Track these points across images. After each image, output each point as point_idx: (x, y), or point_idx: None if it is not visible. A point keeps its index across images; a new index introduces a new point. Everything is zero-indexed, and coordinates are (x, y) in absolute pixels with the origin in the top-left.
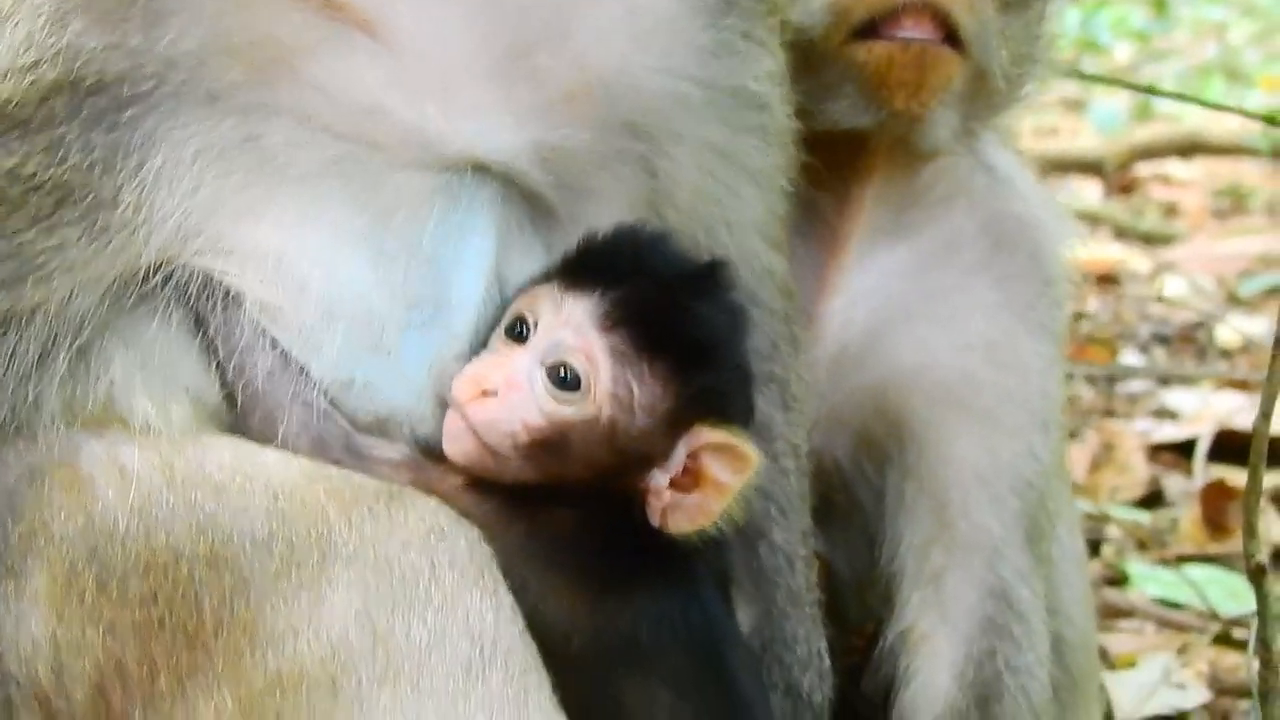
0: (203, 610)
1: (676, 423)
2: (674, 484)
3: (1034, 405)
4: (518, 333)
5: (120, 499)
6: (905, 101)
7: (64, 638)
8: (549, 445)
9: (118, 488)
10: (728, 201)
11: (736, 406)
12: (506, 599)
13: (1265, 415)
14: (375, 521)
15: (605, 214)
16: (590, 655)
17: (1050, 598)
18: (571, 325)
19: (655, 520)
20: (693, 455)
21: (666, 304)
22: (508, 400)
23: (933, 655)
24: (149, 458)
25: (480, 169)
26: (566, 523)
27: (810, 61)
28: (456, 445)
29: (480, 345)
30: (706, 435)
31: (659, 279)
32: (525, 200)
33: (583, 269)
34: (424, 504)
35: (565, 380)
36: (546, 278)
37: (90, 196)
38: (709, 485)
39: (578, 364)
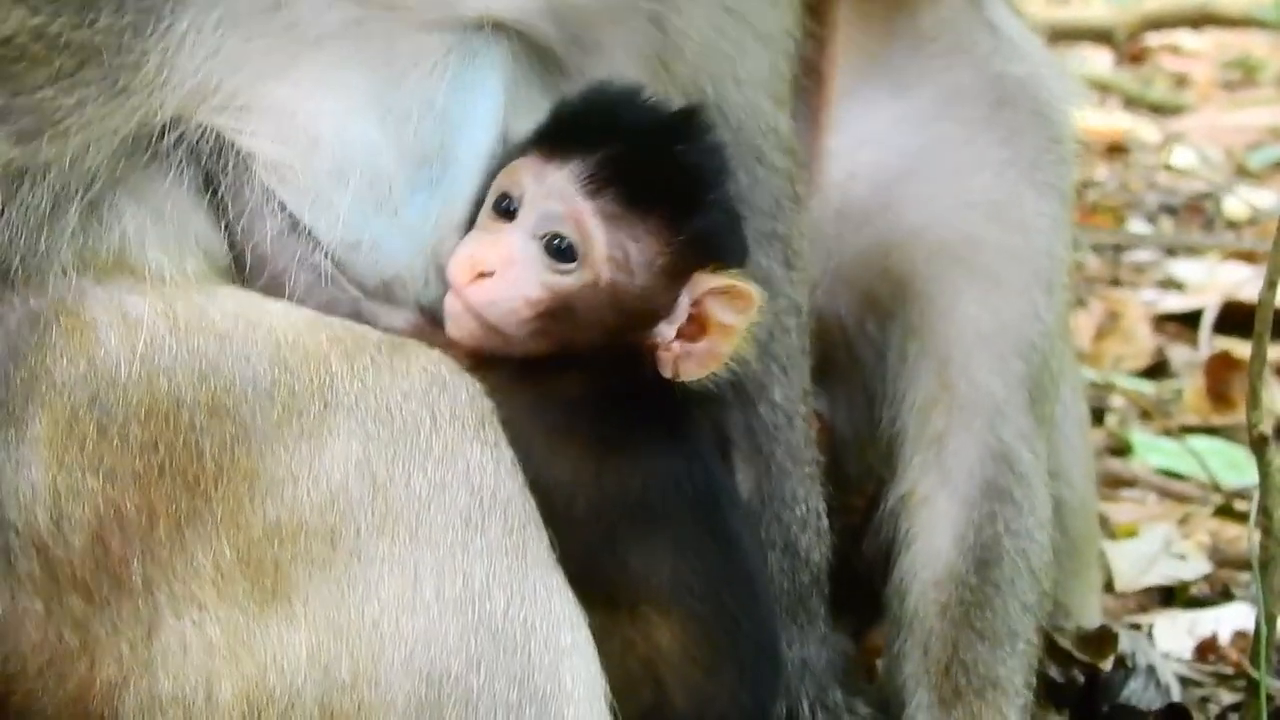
0: (203, 457)
1: (676, 274)
2: (681, 334)
3: (1039, 265)
4: (505, 208)
5: (123, 345)
6: None
7: (64, 484)
8: (554, 315)
9: (120, 333)
10: (735, 58)
11: (731, 247)
12: (507, 452)
13: (1270, 285)
14: (377, 371)
15: (614, 68)
16: (595, 517)
17: (1051, 460)
18: (556, 194)
19: (667, 372)
20: (696, 302)
21: (648, 157)
22: (506, 278)
23: (933, 518)
24: (152, 304)
25: (495, 25)
26: (574, 386)
27: None
28: (460, 327)
29: (470, 222)
30: (707, 281)
31: (636, 134)
32: (534, 56)
33: (559, 136)
34: (426, 355)
35: (561, 250)
36: (524, 150)
37: (116, 58)
38: (715, 329)
39: (570, 232)
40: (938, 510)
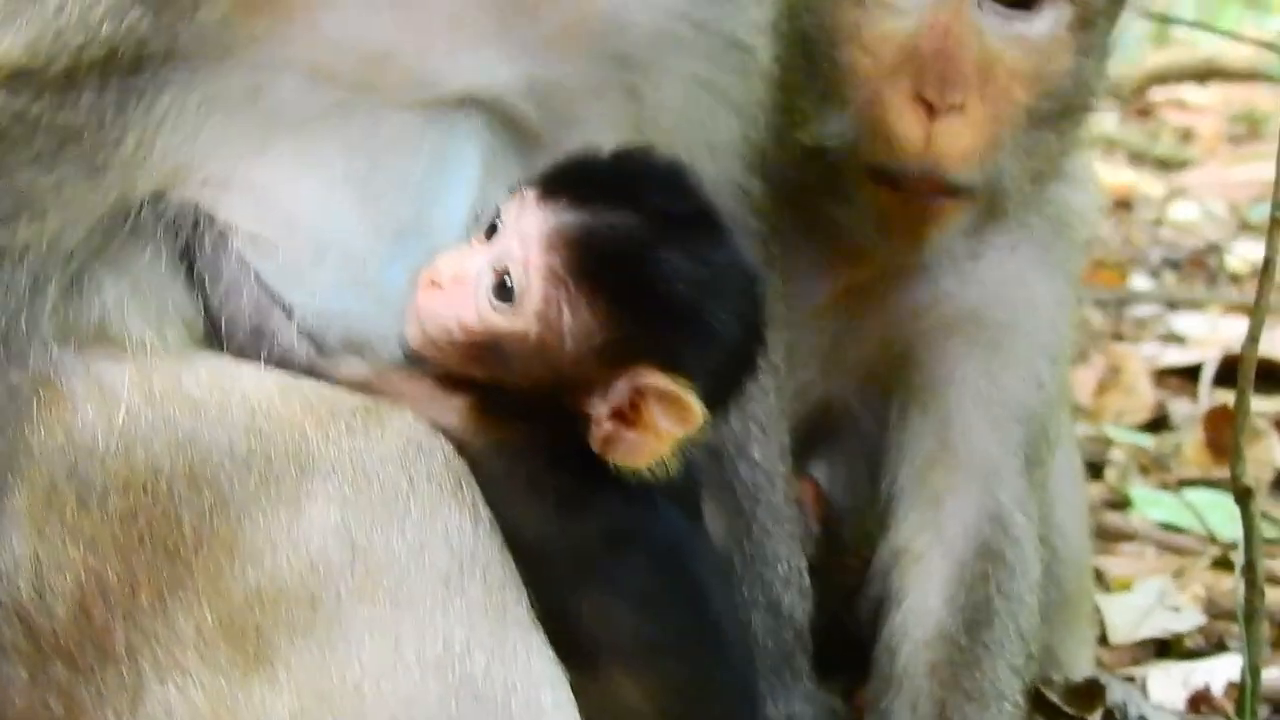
0: (183, 526)
1: (614, 358)
2: (617, 415)
3: (1042, 338)
4: (491, 230)
5: (100, 416)
6: (905, 246)
7: (45, 555)
8: (483, 349)
9: (97, 404)
10: (709, 126)
11: (693, 361)
12: (484, 512)
13: (1253, 339)
14: (353, 436)
15: (590, 140)
16: (549, 566)
17: (1044, 513)
18: (521, 235)
19: (596, 447)
20: (637, 393)
21: (623, 241)
22: (450, 296)
23: (925, 575)
24: (129, 375)
25: (474, 103)
26: (525, 435)
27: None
28: (409, 330)
29: None
30: (649, 378)
31: (627, 214)
32: (510, 129)
33: (559, 181)
34: (401, 418)
35: (503, 289)
36: (530, 181)
37: (96, 136)
38: (648, 427)
39: (516, 276)
40: (931, 568)
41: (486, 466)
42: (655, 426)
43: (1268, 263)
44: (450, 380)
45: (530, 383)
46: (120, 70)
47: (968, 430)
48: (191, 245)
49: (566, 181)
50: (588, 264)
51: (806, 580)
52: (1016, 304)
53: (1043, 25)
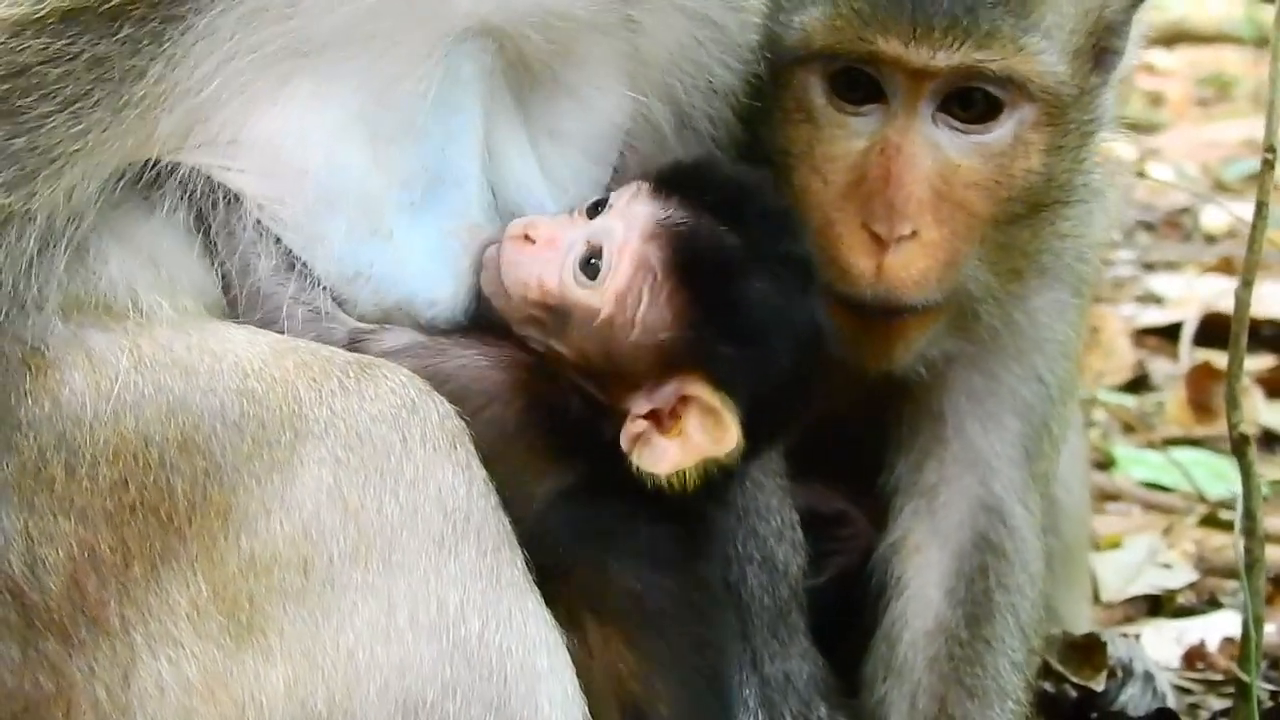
0: (175, 494)
1: (672, 359)
2: (654, 418)
3: (1040, 334)
4: (596, 209)
5: (88, 384)
6: (874, 361)
7: (35, 528)
8: (552, 313)
9: (85, 372)
10: (707, 65)
11: (740, 383)
12: (479, 473)
13: (1246, 285)
14: (345, 396)
15: (588, 75)
16: (559, 530)
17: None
18: (627, 219)
19: (625, 444)
20: (682, 402)
21: (722, 250)
22: (540, 254)
23: (925, 567)
24: (115, 340)
25: (482, 34)
26: (561, 405)
27: None
28: (484, 274)
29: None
30: (699, 389)
31: (735, 229)
32: (511, 67)
33: (679, 179)
34: (395, 376)
35: (591, 265)
36: (649, 175)
37: (125, 65)
38: (683, 436)
39: (609, 255)
40: (929, 559)
41: (524, 423)
42: (689, 437)
43: (1260, 206)
44: (500, 341)
45: (582, 361)
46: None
47: (961, 424)
48: (205, 213)
49: (685, 181)
50: (681, 260)
51: (800, 534)
52: (1011, 308)
53: (1004, 131)
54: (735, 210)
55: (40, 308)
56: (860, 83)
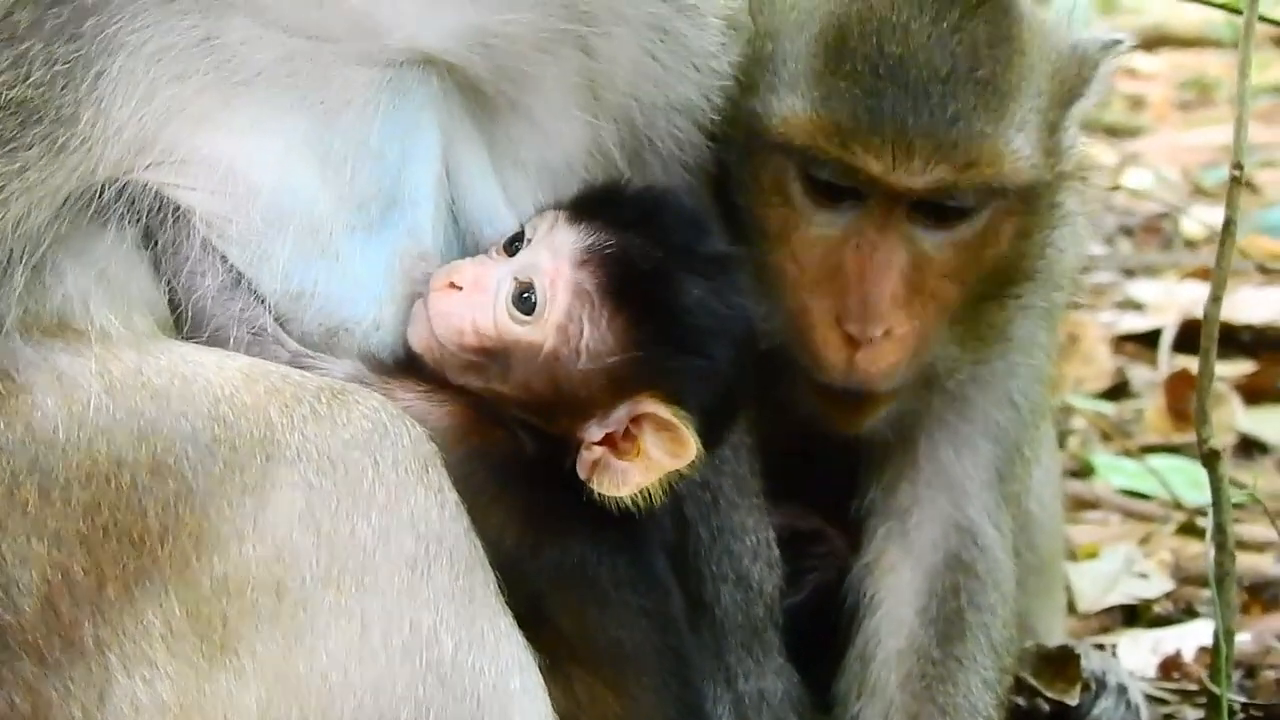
0: (147, 517)
1: (622, 382)
2: (609, 442)
3: (1012, 361)
4: (513, 246)
5: (60, 407)
6: (841, 429)
7: (9, 550)
8: (491, 356)
9: (57, 396)
10: (666, 83)
11: (692, 392)
12: (451, 496)
13: (1216, 298)
14: (317, 421)
15: (545, 100)
16: (528, 574)
17: (1023, 525)
18: (552, 249)
19: (583, 473)
20: (635, 421)
21: (649, 266)
22: (469, 299)
23: (897, 586)
24: (88, 365)
25: (425, 61)
26: (509, 449)
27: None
28: (413, 329)
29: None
30: (651, 406)
31: (655, 243)
32: (466, 93)
33: (594, 204)
34: (366, 401)
35: (524, 300)
36: (560, 204)
37: (53, 113)
38: (640, 456)
39: (541, 287)
40: (902, 579)
41: (468, 472)
42: (648, 456)
43: (1228, 222)
44: (442, 386)
45: (528, 397)
46: (60, 28)
47: (934, 448)
48: (154, 230)
49: (599, 205)
50: (616, 283)
51: (775, 552)
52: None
53: (978, 222)
54: (652, 223)
55: (6, 330)
56: (839, 182)
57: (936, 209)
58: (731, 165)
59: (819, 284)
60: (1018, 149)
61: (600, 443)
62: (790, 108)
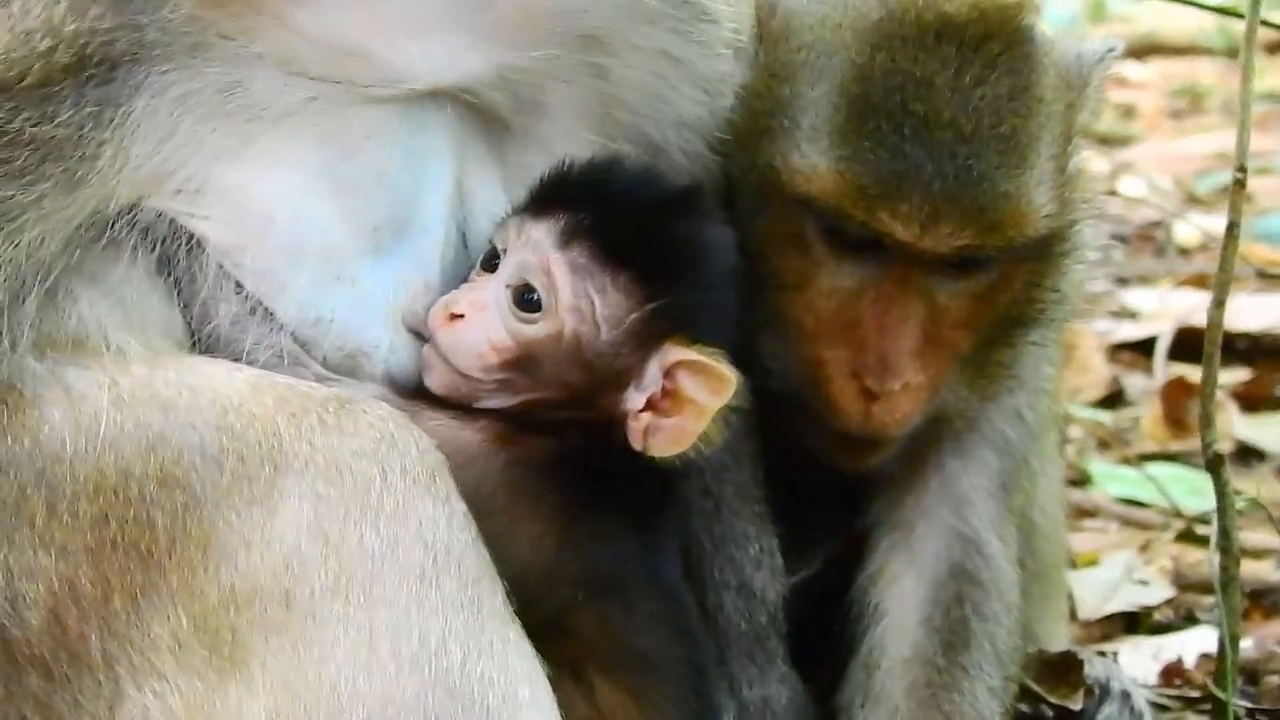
0: (155, 529)
1: (645, 337)
2: (653, 406)
3: (1020, 376)
4: (492, 262)
5: (67, 420)
6: (849, 468)
7: (16, 564)
8: (519, 365)
9: (64, 409)
10: (676, 101)
11: (709, 325)
12: (459, 506)
13: (1219, 304)
14: (325, 431)
15: (559, 126)
16: (553, 581)
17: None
18: (532, 245)
19: (638, 444)
20: (669, 375)
21: (629, 220)
22: (474, 322)
23: (901, 596)
24: (93, 377)
25: (443, 94)
26: (549, 451)
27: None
28: (432, 375)
29: (451, 274)
30: (678, 353)
31: (624, 200)
32: (480, 119)
33: (548, 196)
34: (374, 411)
35: (527, 299)
36: (516, 210)
37: (76, 152)
38: (687, 406)
39: (538, 282)
40: (906, 589)
41: (502, 483)
42: (693, 402)
43: (1232, 225)
44: (469, 409)
45: (565, 392)
46: (94, 76)
47: (941, 462)
48: (169, 257)
49: (554, 191)
50: (608, 246)
51: (778, 559)
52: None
53: (994, 271)
54: (610, 185)
55: (14, 348)
56: (860, 237)
57: (956, 263)
58: (744, 214)
59: (836, 335)
60: (1039, 205)
61: (644, 409)
62: (813, 165)
